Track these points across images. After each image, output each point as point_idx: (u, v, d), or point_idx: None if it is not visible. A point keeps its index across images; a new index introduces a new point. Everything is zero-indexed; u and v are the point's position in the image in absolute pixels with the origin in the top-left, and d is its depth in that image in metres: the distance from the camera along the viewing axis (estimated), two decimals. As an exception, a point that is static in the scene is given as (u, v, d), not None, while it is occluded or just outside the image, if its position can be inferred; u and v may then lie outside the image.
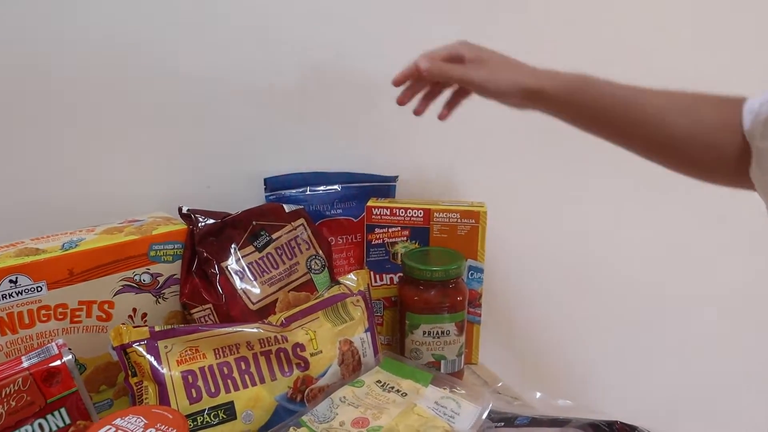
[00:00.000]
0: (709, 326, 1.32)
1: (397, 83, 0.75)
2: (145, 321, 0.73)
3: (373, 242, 0.85)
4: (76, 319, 0.68)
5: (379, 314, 0.86)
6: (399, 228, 0.84)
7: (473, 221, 0.83)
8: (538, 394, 0.73)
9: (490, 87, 0.71)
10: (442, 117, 0.79)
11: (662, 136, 0.69)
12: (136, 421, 0.53)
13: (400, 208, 0.84)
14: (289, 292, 0.78)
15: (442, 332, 0.76)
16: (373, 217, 0.85)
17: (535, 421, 0.67)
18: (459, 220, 0.83)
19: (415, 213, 0.84)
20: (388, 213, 0.84)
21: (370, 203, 0.85)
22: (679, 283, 1.26)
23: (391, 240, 0.85)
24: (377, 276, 0.85)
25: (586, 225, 1.15)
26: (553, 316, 1.18)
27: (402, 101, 0.77)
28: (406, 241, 0.84)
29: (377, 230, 0.85)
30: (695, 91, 0.69)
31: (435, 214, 0.83)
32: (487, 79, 0.71)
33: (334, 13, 0.89)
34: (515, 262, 1.10)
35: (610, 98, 0.70)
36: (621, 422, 0.65)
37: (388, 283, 0.85)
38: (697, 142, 0.67)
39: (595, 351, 1.24)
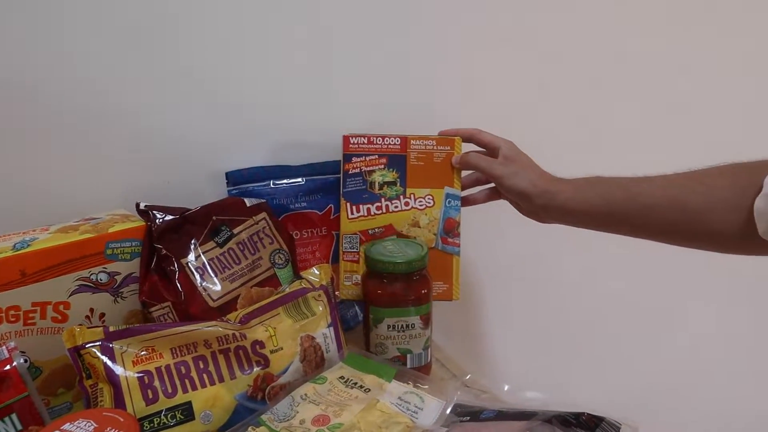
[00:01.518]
0: (679, 319, 1.33)
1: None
2: (104, 321, 0.71)
3: (350, 172, 0.84)
4: (29, 322, 0.66)
5: (354, 250, 0.84)
6: (376, 156, 0.84)
7: (448, 148, 0.84)
8: (506, 387, 0.73)
9: (507, 182, 0.77)
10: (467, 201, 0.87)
11: (681, 224, 0.68)
12: (85, 425, 0.52)
13: (377, 137, 0.84)
14: (252, 287, 0.76)
15: (407, 326, 0.75)
16: (350, 146, 0.84)
17: (501, 415, 0.66)
18: (435, 147, 0.84)
19: (392, 141, 0.84)
20: (365, 141, 0.84)
21: (346, 133, 0.85)
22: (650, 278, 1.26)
23: (368, 168, 0.84)
24: (354, 207, 0.84)
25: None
26: (521, 308, 1.18)
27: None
28: (384, 168, 0.84)
29: (354, 159, 0.84)
30: (710, 167, 0.68)
31: (412, 141, 0.84)
32: (508, 174, 0.78)
33: None
34: (486, 256, 1.10)
35: (621, 193, 0.72)
36: (588, 413, 0.65)
37: (365, 214, 0.84)
38: (715, 218, 0.66)
39: (569, 343, 1.24)
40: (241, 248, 0.77)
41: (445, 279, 0.84)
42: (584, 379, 1.23)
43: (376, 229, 0.84)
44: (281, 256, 0.80)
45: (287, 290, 0.72)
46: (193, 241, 0.74)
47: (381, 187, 0.84)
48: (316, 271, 0.76)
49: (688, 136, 1.13)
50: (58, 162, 0.81)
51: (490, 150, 0.83)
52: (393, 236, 0.83)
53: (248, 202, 0.79)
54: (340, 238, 0.84)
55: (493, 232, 1.06)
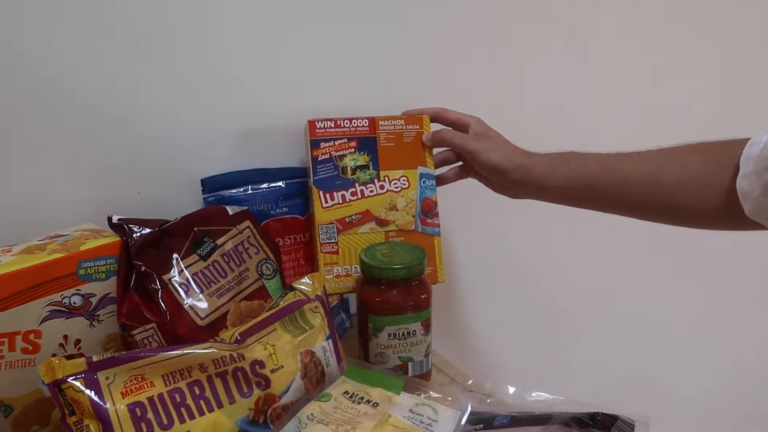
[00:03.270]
0: (668, 313, 1.34)
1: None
2: (80, 348, 0.65)
3: (319, 158, 0.80)
4: (-4, 355, 0.59)
5: (333, 241, 0.79)
6: (346, 140, 0.81)
7: (417, 127, 0.83)
8: (512, 389, 0.71)
9: (481, 157, 0.76)
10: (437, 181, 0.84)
11: (655, 199, 0.69)
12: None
13: (344, 120, 0.81)
14: (240, 301, 0.71)
15: (408, 333, 0.71)
16: (317, 131, 0.80)
17: (515, 420, 0.64)
18: (404, 127, 0.82)
19: (360, 123, 0.81)
20: (333, 125, 0.80)
21: (311, 118, 0.80)
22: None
23: (338, 153, 0.80)
24: (327, 195, 0.79)
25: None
26: (506, 306, 1.17)
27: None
28: (355, 152, 0.80)
29: (323, 144, 0.80)
30: (682, 144, 0.69)
31: (380, 122, 0.82)
32: (482, 150, 0.76)
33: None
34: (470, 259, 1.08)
35: (596, 167, 0.72)
36: (602, 413, 0.63)
37: (340, 201, 0.80)
38: (689, 193, 0.67)
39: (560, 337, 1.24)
40: (227, 260, 0.72)
41: (429, 262, 0.80)
42: (580, 373, 1.24)
43: (353, 216, 0.80)
44: (269, 266, 0.75)
45: (281, 304, 0.67)
46: (174, 256, 0.69)
47: (354, 171, 0.81)
48: (308, 281, 0.71)
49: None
50: (16, 173, 0.74)
51: (458, 128, 0.81)
52: (390, 236, 0.80)
53: (230, 210, 0.74)
54: (315, 230, 0.79)
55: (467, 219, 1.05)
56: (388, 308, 0.71)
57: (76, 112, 0.75)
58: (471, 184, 0.84)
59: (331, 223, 0.79)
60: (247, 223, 0.75)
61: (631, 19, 1.13)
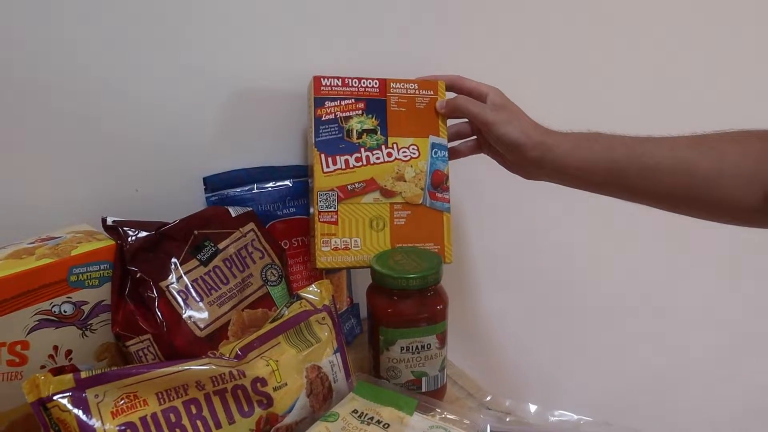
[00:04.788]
0: (677, 323, 1.29)
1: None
2: (71, 359, 0.61)
3: (323, 118, 0.74)
4: (-20, 368, 0.55)
5: (332, 209, 0.73)
6: (353, 100, 0.75)
7: (431, 92, 0.77)
8: (533, 408, 0.66)
9: (498, 130, 0.70)
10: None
11: (687, 189, 0.64)
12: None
13: (353, 78, 0.75)
14: (243, 310, 0.67)
15: (423, 347, 0.67)
16: (322, 88, 0.74)
17: (536, 444, 0.59)
18: (417, 92, 0.77)
19: (369, 83, 0.75)
20: (340, 84, 0.74)
21: (317, 74, 0.75)
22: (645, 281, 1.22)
23: (344, 114, 0.74)
24: (329, 159, 0.73)
25: (558, 231, 1.09)
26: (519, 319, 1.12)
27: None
28: (362, 115, 0.75)
29: (327, 103, 0.74)
30: (719, 132, 0.64)
31: (391, 84, 0.76)
32: (501, 121, 0.70)
33: None
34: (480, 261, 1.03)
35: (623, 150, 0.66)
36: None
37: (343, 167, 0.74)
38: (725, 184, 0.62)
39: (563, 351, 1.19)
40: (229, 265, 0.67)
41: (436, 240, 0.75)
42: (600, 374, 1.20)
43: (357, 184, 0.74)
44: (274, 271, 0.70)
45: (286, 315, 0.62)
46: (172, 261, 0.64)
47: (360, 135, 0.75)
48: (316, 289, 0.66)
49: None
50: (6, 170, 0.70)
51: (475, 97, 0.75)
52: (399, 246, 0.74)
53: (233, 211, 0.70)
54: (314, 196, 0.73)
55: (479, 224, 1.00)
56: (401, 320, 0.66)
57: (71, 105, 0.71)
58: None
59: (332, 190, 0.73)
60: (251, 225, 0.70)
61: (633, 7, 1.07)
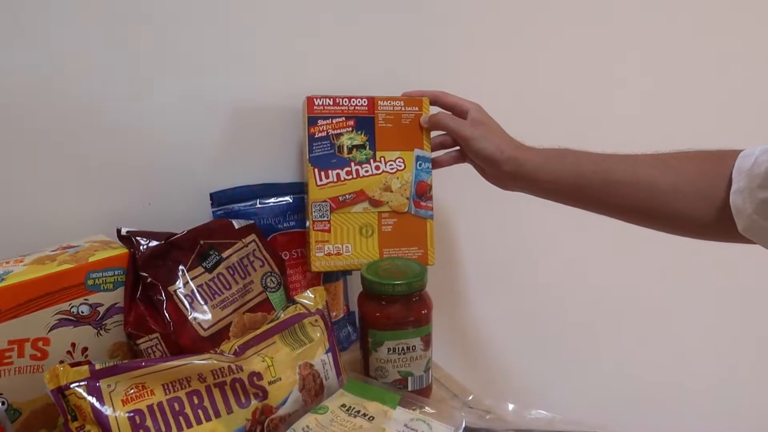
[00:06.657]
0: (662, 325, 1.33)
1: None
2: (86, 356, 0.67)
3: (316, 135, 0.80)
4: (6, 361, 0.61)
5: (325, 219, 0.80)
6: (343, 118, 0.81)
7: (416, 109, 0.83)
8: (511, 406, 0.71)
9: (474, 145, 0.76)
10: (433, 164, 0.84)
11: (647, 203, 0.68)
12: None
13: (343, 98, 0.81)
14: (244, 313, 0.73)
15: (408, 348, 0.72)
16: (315, 108, 0.80)
17: (510, 438, 0.64)
18: (403, 108, 0.83)
19: (359, 102, 0.81)
20: (331, 103, 0.81)
21: (310, 95, 0.81)
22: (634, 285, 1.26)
23: (335, 131, 0.81)
24: (322, 173, 0.80)
25: (541, 231, 1.14)
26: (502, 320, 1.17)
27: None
28: (352, 131, 0.81)
29: (320, 122, 0.80)
30: (678, 151, 0.69)
31: (379, 102, 0.82)
32: (477, 137, 0.76)
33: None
34: (467, 267, 1.08)
35: (590, 166, 0.71)
36: (600, 434, 0.63)
37: (335, 180, 0.81)
38: (682, 200, 0.66)
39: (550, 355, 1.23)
40: (231, 273, 0.73)
41: (420, 244, 0.82)
42: (584, 382, 1.23)
43: (347, 196, 0.81)
44: (273, 279, 0.76)
45: (282, 317, 0.68)
46: (180, 268, 0.70)
47: (350, 150, 0.81)
48: (311, 294, 0.72)
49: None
50: (30, 185, 0.76)
51: (457, 113, 0.81)
52: (388, 257, 0.81)
53: (237, 223, 0.76)
54: (309, 207, 0.80)
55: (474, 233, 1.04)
56: (389, 323, 0.72)
57: (88, 129, 0.78)
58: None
59: (325, 201, 0.80)
60: (253, 236, 0.77)
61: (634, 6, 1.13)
